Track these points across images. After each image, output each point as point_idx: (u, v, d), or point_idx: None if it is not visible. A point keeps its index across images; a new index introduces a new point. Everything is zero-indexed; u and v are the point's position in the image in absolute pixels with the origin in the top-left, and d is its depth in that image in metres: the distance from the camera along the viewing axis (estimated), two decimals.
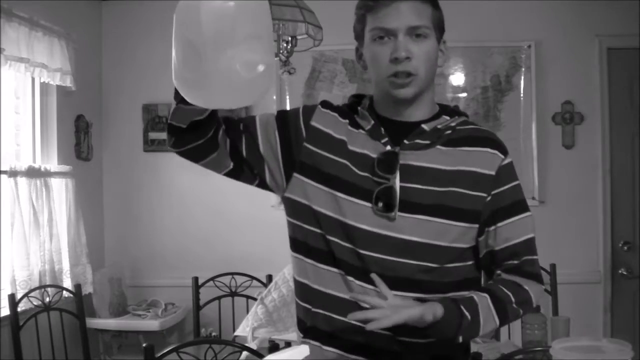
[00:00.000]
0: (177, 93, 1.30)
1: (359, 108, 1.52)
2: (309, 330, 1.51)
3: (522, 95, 3.86)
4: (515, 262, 1.48)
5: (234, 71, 1.13)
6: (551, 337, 2.61)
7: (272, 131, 1.52)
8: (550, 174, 3.86)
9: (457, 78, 3.90)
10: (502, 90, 3.88)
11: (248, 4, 1.18)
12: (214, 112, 1.41)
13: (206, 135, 1.44)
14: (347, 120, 1.52)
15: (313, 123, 1.52)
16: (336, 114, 1.53)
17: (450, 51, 4.11)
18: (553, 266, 3.49)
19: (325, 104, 1.56)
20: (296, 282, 1.54)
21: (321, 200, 1.47)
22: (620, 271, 3.84)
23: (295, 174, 1.51)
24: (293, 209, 1.52)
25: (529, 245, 1.50)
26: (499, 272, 1.49)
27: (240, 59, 1.14)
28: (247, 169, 1.52)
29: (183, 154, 1.48)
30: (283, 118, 1.54)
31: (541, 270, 1.56)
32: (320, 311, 1.48)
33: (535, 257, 1.51)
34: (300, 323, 1.55)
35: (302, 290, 1.52)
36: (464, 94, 3.89)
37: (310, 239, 1.49)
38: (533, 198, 3.83)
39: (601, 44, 3.84)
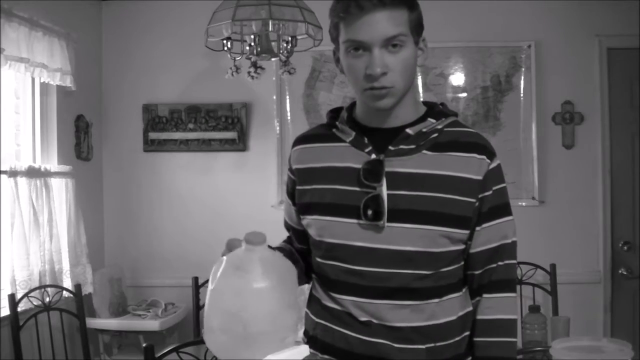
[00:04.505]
0: None
1: (337, 123, 1.52)
2: (311, 339, 1.54)
3: (522, 95, 3.86)
4: (492, 265, 1.47)
5: (270, 342, 1.23)
6: (551, 337, 2.61)
7: (292, 208, 1.60)
8: (550, 174, 3.86)
9: (457, 78, 3.90)
10: (502, 90, 3.88)
11: (285, 281, 1.28)
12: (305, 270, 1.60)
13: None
14: (321, 144, 1.53)
15: (295, 166, 1.56)
16: (306, 144, 1.55)
17: (450, 51, 4.15)
18: (553, 266, 3.50)
19: (296, 141, 1.59)
20: (311, 296, 1.59)
21: (314, 230, 1.49)
22: (620, 271, 3.84)
23: (300, 217, 1.55)
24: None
25: (507, 250, 1.48)
26: (476, 298, 1.50)
27: (276, 335, 1.23)
28: None
29: None
30: (287, 187, 1.62)
31: (516, 276, 1.56)
32: (323, 322, 1.51)
33: (512, 261, 1.50)
34: (305, 332, 1.59)
35: (312, 304, 1.57)
36: (464, 94, 3.89)
37: (315, 266, 1.54)
38: (533, 198, 3.83)
39: (601, 44, 3.83)
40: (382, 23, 1.35)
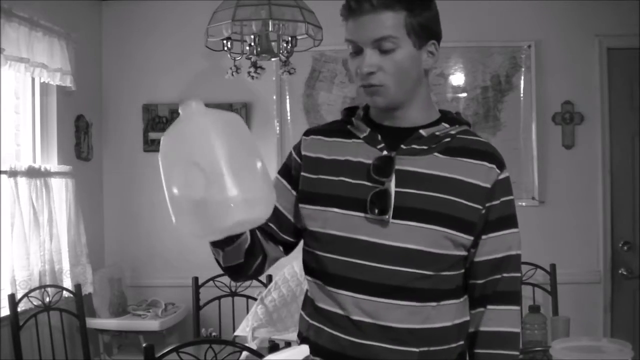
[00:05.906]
0: (214, 242, 1.43)
1: (353, 119, 1.54)
2: (304, 340, 1.53)
3: (522, 95, 3.86)
4: (496, 276, 1.47)
5: (253, 182, 1.21)
6: (551, 337, 2.61)
7: (283, 187, 1.57)
8: (550, 174, 3.86)
9: (457, 78, 3.90)
10: (502, 90, 3.88)
11: (230, 125, 1.31)
12: (252, 234, 1.49)
13: (258, 256, 1.54)
14: (334, 138, 1.53)
15: (304, 152, 1.56)
16: (321, 137, 1.56)
17: (450, 51, 4.15)
18: (553, 266, 3.50)
19: (308, 132, 1.59)
20: (305, 297, 1.58)
21: (318, 221, 1.49)
22: (620, 271, 3.84)
23: (300, 205, 1.53)
24: (304, 237, 1.57)
25: (512, 262, 1.48)
26: (479, 309, 1.49)
27: (246, 168, 1.21)
28: (295, 237, 1.58)
29: (249, 279, 1.62)
30: (285, 167, 1.60)
31: (520, 289, 1.54)
32: (315, 323, 1.50)
33: (517, 274, 1.50)
34: (299, 333, 1.58)
35: (306, 305, 1.56)
36: (464, 94, 3.89)
37: (312, 260, 1.52)
38: (533, 198, 3.83)
39: (601, 44, 3.84)
40: (372, 25, 1.40)
